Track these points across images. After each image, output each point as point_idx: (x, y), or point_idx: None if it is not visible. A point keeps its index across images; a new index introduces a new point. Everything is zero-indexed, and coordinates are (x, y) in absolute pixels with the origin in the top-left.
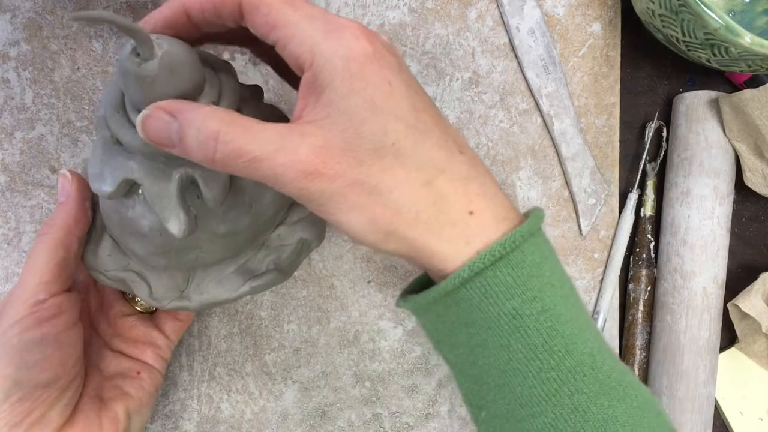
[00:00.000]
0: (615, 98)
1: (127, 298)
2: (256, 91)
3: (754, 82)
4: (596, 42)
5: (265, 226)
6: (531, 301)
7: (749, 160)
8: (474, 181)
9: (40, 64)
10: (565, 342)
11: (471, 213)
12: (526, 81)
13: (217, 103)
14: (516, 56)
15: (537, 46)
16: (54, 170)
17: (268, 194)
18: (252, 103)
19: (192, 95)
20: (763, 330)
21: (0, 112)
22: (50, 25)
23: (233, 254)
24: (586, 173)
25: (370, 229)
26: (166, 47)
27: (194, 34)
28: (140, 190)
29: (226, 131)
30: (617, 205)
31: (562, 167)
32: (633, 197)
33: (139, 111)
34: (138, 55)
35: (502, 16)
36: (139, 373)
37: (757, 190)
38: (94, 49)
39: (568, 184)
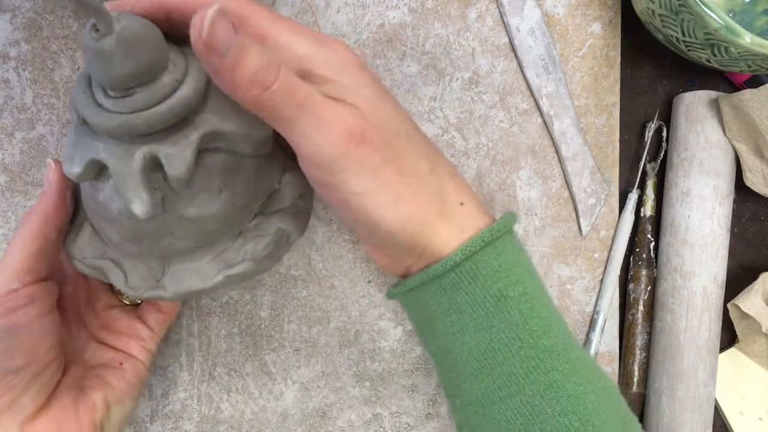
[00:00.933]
0: (615, 98)
1: (114, 290)
2: None
3: (754, 82)
4: (596, 42)
5: (240, 215)
6: (514, 284)
7: (749, 160)
8: (457, 176)
9: (40, 64)
10: (543, 323)
11: (462, 204)
12: (526, 81)
13: (180, 81)
14: (516, 56)
15: (537, 46)
16: None
17: (240, 179)
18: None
19: (153, 72)
20: (763, 330)
21: (0, 112)
22: (50, 25)
23: (208, 243)
24: (586, 173)
25: (394, 210)
26: (124, 23)
27: (168, 29)
28: (109, 172)
29: (284, 68)
30: (617, 205)
31: (562, 167)
32: (633, 197)
33: (103, 90)
34: (97, 30)
35: (502, 16)
36: (121, 363)
37: (757, 190)
38: None
39: (568, 184)
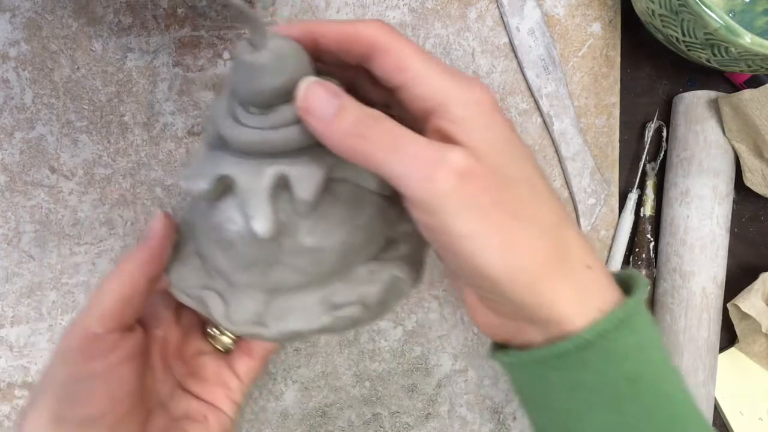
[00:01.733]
0: (615, 98)
1: (207, 335)
2: None
3: (754, 82)
4: (596, 42)
5: (357, 255)
6: (647, 365)
7: (749, 161)
8: (584, 238)
9: (39, 64)
10: (676, 409)
11: (589, 267)
12: (526, 81)
13: None
14: (516, 56)
15: (537, 46)
16: (54, 170)
17: (363, 215)
18: None
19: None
20: (763, 330)
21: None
22: (50, 24)
23: (319, 279)
24: (586, 173)
25: (504, 257)
26: (278, 40)
27: (315, 55)
28: (234, 192)
29: (381, 119)
30: (617, 205)
31: (562, 167)
32: (633, 197)
33: (243, 107)
34: (251, 44)
35: (502, 16)
36: (205, 416)
37: (756, 190)
38: (93, 49)
39: (568, 184)
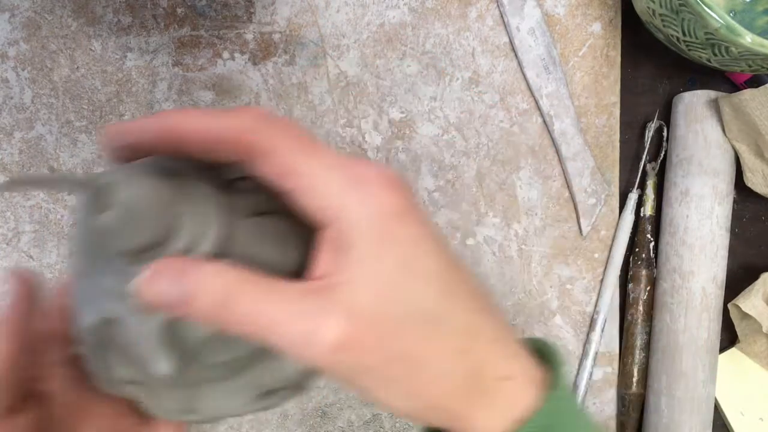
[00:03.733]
0: (615, 98)
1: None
2: (255, 200)
3: (755, 82)
4: (596, 42)
5: None
6: None
7: (749, 161)
8: (502, 342)
9: (39, 64)
10: None
11: (507, 378)
12: (526, 81)
13: (196, 244)
14: (516, 56)
15: (537, 45)
16: (53, 170)
17: None
18: (248, 224)
19: (160, 241)
20: (764, 330)
21: None
22: (49, 24)
23: (241, 367)
24: (587, 173)
25: (410, 403)
26: (124, 193)
27: (183, 152)
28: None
29: (238, 293)
30: (617, 205)
31: (562, 167)
32: (633, 197)
33: (103, 264)
34: (93, 204)
35: (502, 16)
36: None
37: (757, 190)
38: (93, 48)
39: (568, 184)
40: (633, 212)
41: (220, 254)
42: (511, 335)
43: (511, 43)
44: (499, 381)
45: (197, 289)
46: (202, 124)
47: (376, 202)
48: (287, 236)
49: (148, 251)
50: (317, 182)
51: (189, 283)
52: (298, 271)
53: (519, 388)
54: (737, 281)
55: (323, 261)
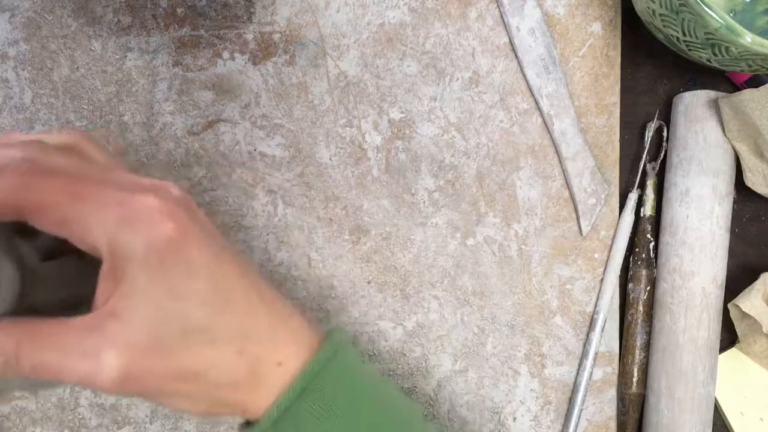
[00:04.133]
0: (615, 98)
1: None
2: (48, 243)
3: (755, 82)
4: (596, 42)
5: None
6: (339, 419)
7: (749, 161)
8: (278, 329)
9: (39, 64)
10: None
11: (279, 364)
12: (526, 81)
13: None
14: (516, 56)
15: (537, 45)
16: None
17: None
18: (43, 267)
19: None
20: (764, 330)
21: None
22: (49, 24)
23: None
24: (587, 173)
25: (202, 407)
26: None
27: None
28: None
29: (26, 346)
30: (617, 205)
31: (562, 167)
32: (633, 197)
33: None
34: None
35: (502, 16)
36: None
37: (757, 190)
38: (93, 48)
39: (568, 184)
40: (633, 212)
41: (14, 305)
42: (288, 320)
43: (511, 43)
44: (274, 366)
45: None
46: None
47: (150, 234)
48: (80, 272)
49: None
50: (90, 225)
51: None
52: (91, 301)
53: (292, 366)
54: (737, 281)
55: (102, 294)
